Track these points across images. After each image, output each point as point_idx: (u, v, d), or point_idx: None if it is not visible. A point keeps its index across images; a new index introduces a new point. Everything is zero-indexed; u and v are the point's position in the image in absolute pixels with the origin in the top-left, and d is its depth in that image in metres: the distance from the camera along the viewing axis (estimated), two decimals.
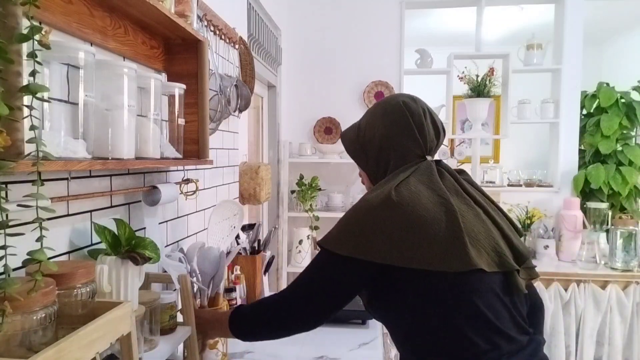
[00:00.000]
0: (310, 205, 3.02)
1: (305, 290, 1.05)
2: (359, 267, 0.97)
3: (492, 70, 3.07)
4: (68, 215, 0.92)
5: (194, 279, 1.28)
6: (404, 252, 0.93)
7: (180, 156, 1.18)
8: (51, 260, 0.63)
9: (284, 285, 3.02)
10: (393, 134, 1.07)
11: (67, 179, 0.90)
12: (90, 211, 0.99)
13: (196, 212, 1.60)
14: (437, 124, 1.11)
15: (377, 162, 1.10)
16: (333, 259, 0.99)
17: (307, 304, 1.04)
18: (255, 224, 2.02)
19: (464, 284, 0.94)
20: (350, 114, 3.26)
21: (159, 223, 1.31)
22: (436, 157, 1.12)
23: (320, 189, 3.09)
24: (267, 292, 2.09)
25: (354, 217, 1.00)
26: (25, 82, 0.60)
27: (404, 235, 0.93)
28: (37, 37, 0.59)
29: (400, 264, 0.93)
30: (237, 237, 1.70)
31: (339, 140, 3.23)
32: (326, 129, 3.30)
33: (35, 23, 0.60)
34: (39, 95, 0.60)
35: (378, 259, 0.94)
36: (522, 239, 1.09)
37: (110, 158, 0.88)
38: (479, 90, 3.07)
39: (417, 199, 0.97)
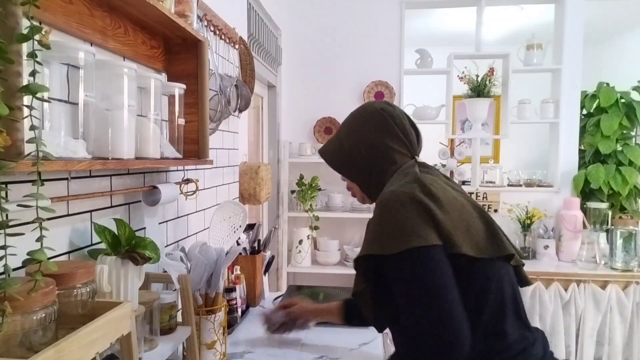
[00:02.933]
0: (310, 205, 3.02)
1: (431, 311, 0.85)
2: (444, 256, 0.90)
3: (492, 70, 3.07)
4: (68, 215, 0.92)
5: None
6: (466, 237, 0.91)
7: (180, 156, 1.18)
8: (51, 260, 0.63)
9: (284, 285, 3.02)
10: (379, 140, 1.07)
11: (67, 179, 0.90)
12: (90, 211, 0.99)
13: (196, 212, 1.60)
14: (415, 126, 1.12)
15: (369, 172, 1.09)
16: (431, 252, 0.88)
17: (446, 323, 0.84)
18: (255, 224, 2.02)
19: (497, 271, 0.94)
20: None
21: (159, 223, 1.31)
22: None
23: (320, 189, 3.09)
24: (267, 292, 2.09)
25: (405, 211, 0.90)
26: (25, 82, 0.60)
27: (463, 222, 0.93)
28: (37, 37, 0.59)
29: (464, 250, 0.90)
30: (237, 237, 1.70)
31: None
32: (326, 129, 3.30)
33: (35, 23, 0.60)
34: (39, 95, 0.60)
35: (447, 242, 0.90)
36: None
37: (110, 158, 0.88)
38: (479, 90, 3.07)
39: (445, 189, 0.98)
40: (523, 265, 1.04)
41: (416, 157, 1.10)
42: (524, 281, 1.04)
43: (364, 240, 0.96)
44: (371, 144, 1.07)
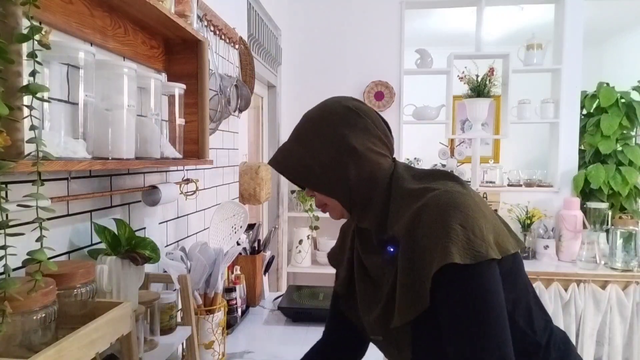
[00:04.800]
0: (310, 205, 3.02)
1: (491, 335, 0.75)
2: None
3: (492, 70, 3.07)
4: (68, 215, 0.92)
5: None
6: (506, 235, 0.83)
7: (180, 156, 1.18)
8: (51, 260, 0.63)
9: (284, 285, 3.02)
10: (360, 144, 0.87)
11: (67, 179, 0.90)
12: (90, 211, 0.99)
13: (196, 212, 1.60)
14: (383, 119, 0.94)
15: (354, 184, 0.87)
16: (491, 269, 0.77)
17: (503, 350, 0.75)
18: (255, 224, 2.02)
19: (522, 266, 0.88)
20: None
21: (159, 223, 1.31)
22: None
23: None
24: (267, 292, 2.09)
25: (475, 216, 0.78)
26: (25, 82, 0.60)
27: (496, 220, 0.85)
28: (37, 37, 0.59)
29: (511, 250, 0.81)
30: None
31: None
32: None
33: (35, 23, 0.60)
34: (39, 95, 0.60)
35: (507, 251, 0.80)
36: None
37: (110, 158, 0.88)
38: (479, 90, 3.07)
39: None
40: None
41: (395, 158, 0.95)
42: None
43: (436, 246, 0.76)
44: (351, 151, 0.86)
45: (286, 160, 0.92)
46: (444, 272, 0.75)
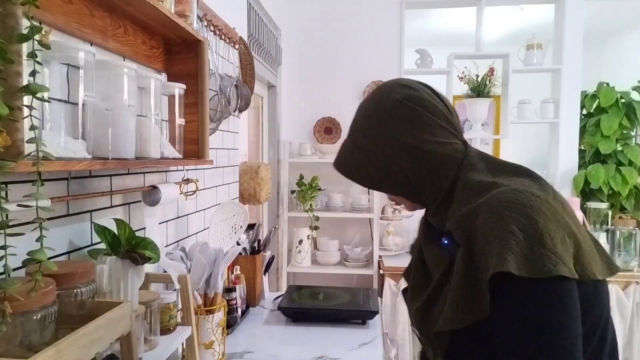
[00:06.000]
0: (310, 205, 3.02)
1: None
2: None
3: (492, 70, 3.07)
4: (68, 215, 0.92)
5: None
6: (593, 257, 0.73)
7: (180, 156, 1.18)
8: (51, 260, 0.63)
9: (284, 285, 3.02)
10: (417, 140, 0.80)
11: (67, 179, 0.90)
12: (90, 211, 0.99)
13: (196, 212, 1.60)
14: (444, 98, 0.86)
15: (416, 181, 0.82)
16: (571, 286, 0.67)
17: None
18: (255, 224, 2.02)
19: (607, 294, 0.76)
20: (350, 114, 3.21)
21: (159, 223, 1.31)
22: None
23: (320, 189, 3.09)
24: (267, 292, 2.09)
25: (548, 224, 0.68)
26: (25, 82, 0.60)
27: (588, 240, 0.74)
28: (37, 37, 0.59)
29: (597, 275, 0.71)
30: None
31: (339, 140, 3.24)
32: (326, 129, 3.30)
33: (35, 23, 0.60)
34: (39, 95, 0.60)
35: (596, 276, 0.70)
36: None
37: (110, 158, 0.88)
38: (479, 90, 3.07)
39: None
40: None
41: (467, 142, 0.86)
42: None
43: (496, 252, 0.67)
44: (409, 148, 0.80)
45: (344, 162, 0.88)
46: (502, 282, 0.66)
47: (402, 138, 0.80)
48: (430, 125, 0.80)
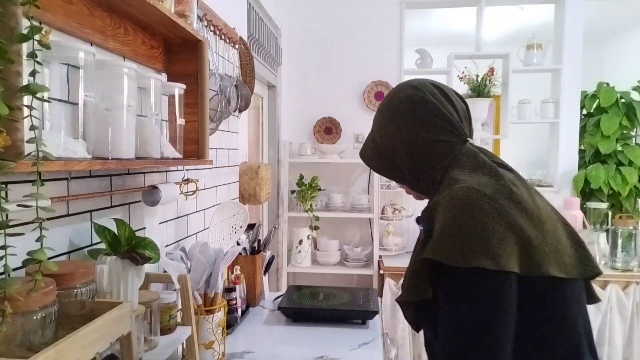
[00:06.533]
0: (310, 205, 3.02)
1: (472, 350, 0.72)
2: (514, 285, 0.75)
3: (492, 70, 3.07)
4: (68, 215, 0.92)
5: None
6: (555, 255, 0.77)
7: (180, 156, 1.18)
8: (51, 260, 0.63)
9: (284, 285, 3.02)
10: (415, 135, 0.90)
11: (67, 179, 0.90)
12: (90, 211, 0.99)
13: (196, 212, 1.60)
14: (453, 98, 0.93)
15: (414, 172, 0.92)
16: (501, 280, 0.73)
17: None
18: (255, 224, 2.02)
19: (578, 295, 0.80)
20: (350, 114, 3.26)
21: (159, 223, 1.31)
22: None
23: (320, 189, 3.09)
24: (267, 292, 2.09)
25: (485, 219, 0.75)
26: (25, 82, 0.60)
27: (553, 237, 0.79)
28: (37, 37, 0.59)
29: (551, 272, 0.76)
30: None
31: (339, 140, 3.24)
32: (326, 129, 3.30)
33: (35, 23, 0.60)
34: (39, 95, 0.60)
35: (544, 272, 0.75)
36: None
37: (110, 158, 0.88)
38: (479, 90, 3.07)
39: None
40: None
41: (469, 139, 0.92)
42: (594, 297, 0.88)
43: (432, 240, 0.78)
44: (409, 142, 0.90)
45: (364, 152, 1.02)
46: (440, 269, 0.75)
47: (402, 133, 0.91)
48: (428, 124, 0.89)
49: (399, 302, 0.89)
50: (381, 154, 0.96)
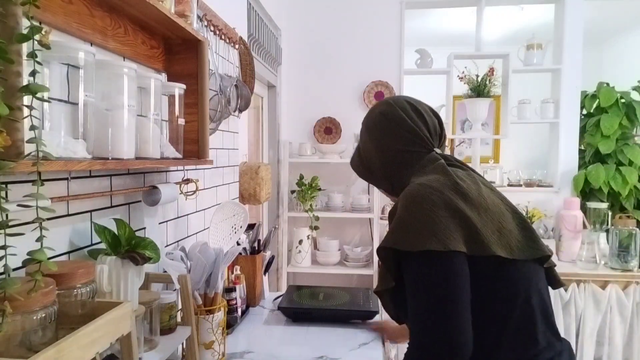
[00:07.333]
0: (310, 205, 3.02)
1: (435, 321, 0.84)
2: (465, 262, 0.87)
3: (492, 70, 3.07)
4: (68, 215, 0.92)
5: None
6: (498, 237, 0.89)
7: (180, 156, 1.18)
8: (51, 260, 0.63)
9: (284, 285, 3.02)
10: (387, 146, 1.05)
11: (67, 179, 0.90)
12: (90, 211, 0.99)
13: (196, 212, 1.60)
14: (424, 113, 1.07)
15: (388, 179, 1.07)
16: (449, 259, 0.86)
17: (448, 337, 0.83)
18: (255, 224, 2.02)
19: (529, 274, 0.91)
20: (350, 114, 3.26)
21: (159, 223, 1.31)
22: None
23: (320, 189, 3.09)
24: (267, 292, 2.09)
25: (431, 209, 0.87)
26: (25, 82, 0.60)
27: (495, 221, 0.90)
28: (37, 37, 0.59)
29: (494, 251, 0.87)
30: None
31: (339, 140, 3.24)
32: (326, 129, 3.30)
33: (35, 23, 0.60)
34: (39, 95, 0.60)
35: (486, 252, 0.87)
36: None
37: (110, 158, 0.88)
38: (479, 90, 3.07)
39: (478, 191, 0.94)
40: (555, 266, 1.00)
41: (435, 149, 1.05)
42: (557, 282, 1.00)
43: (387, 231, 0.93)
44: (382, 152, 1.06)
45: (352, 159, 1.18)
46: (400, 257, 0.89)
47: (376, 144, 1.06)
48: (397, 136, 1.03)
49: (376, 293, 1.00)
50: (362, 162, 1.12)
